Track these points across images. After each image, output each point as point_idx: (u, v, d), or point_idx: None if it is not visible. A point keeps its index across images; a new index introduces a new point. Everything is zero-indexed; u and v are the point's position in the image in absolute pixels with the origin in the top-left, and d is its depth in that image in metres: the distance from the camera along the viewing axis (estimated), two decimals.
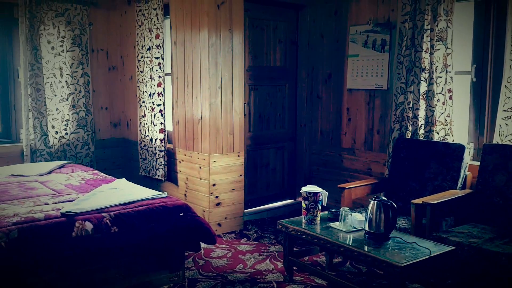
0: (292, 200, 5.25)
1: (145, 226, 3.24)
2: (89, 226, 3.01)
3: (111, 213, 3.17)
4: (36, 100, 4.93)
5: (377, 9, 4.37)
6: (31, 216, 2.97)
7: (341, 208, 3.23)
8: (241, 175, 4.54)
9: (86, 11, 5.24)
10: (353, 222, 3.09)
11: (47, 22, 4.99)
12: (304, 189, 3.25)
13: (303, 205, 3.25)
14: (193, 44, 4.42)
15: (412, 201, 3.26)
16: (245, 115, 4.63)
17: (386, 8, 4.30)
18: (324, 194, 3.25)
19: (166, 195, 3.62)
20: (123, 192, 3.65)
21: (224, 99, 4.38)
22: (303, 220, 3.25)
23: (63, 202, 3.37)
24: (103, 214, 3.14)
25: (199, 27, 4.31)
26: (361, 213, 3.34)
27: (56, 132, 5.10)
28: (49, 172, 4.39)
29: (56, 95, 5.09)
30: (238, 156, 4.51)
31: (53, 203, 3.34)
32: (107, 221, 3.11)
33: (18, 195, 3.55)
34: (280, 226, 3.33)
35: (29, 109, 4.90)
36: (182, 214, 3.40)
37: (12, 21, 4.95)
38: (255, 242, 4.15)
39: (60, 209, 3.13)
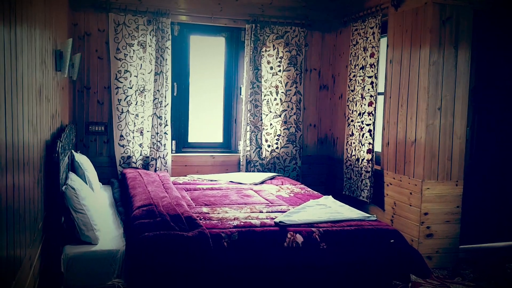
0: None
1: (353, 247, 3.14)
2: (299, 238, 3.06)
3: (320, 229, 3.16)
4: (254, 115, 5.35)
5: None
6: (249, 222, 3.17)
7: None
8: (458, 207, 4.07)
9: (304, 33, 5.49)
10: None
11: (268, 44, 5.39)
12: None
13: None
14: (411, 62, 4.19)
15: None
16: (467, 140, 4.15)
17: None
18: None
19: (376, 218, 3.47)
20: (330, 209, 3.63)
21: (443, 122, 4.02)
22: None
23: (275, 212, 3.52)
24: (312, 228, 3.16)
25: (420, 44, 4.07)
26: None
27: (269, 146, 5.45)
28: (262, 182, 4.68)
29: (271, 111, 5.45)
30: (456, 185, 4.06)
31: (266, 212, 3.51)
32: (316, 236, 3.11)
33: (237, 201, 3.86)
34: (509, 270, 2.84)
35: (248, 123, 5.34)
36: (392, 241, 3.20)
37: (239, 44, 5.51)
38: (471, 284, 3.64)
39: (273, 218, 3.27)
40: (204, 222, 3.14)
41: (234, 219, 3.25)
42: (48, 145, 2.76)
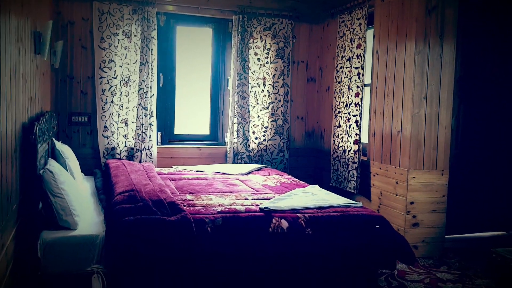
0: (504, 232, 4.48)
1: (339, 233, 3.10)
2: (284, 224, 3.02)
3: (306, 215, 3.12)
4: (241, 107, 5.30)
5: None
6: (234, 208, 3.12)
7: None
8: (443, 196, 4.06)
9: (291, 25, 5.46)
10: None
11: (256, 35, 5.35)
12: None
13: None
14: (397, 52, 4.17)
15: None
16: (452, 129, 4.15)
17: None
18: None
19: (361, 205, 3.44)
20: (317, 197, 3.60)
21: (428, 111, 4.01)
22: None
23: (261, 199, 3.48)
24: (298, 214, 3.12)
25: (406, 34, 4.05)
26: None
27: (256, 138, 5.40)
28: (248, 173, 4.64)
29: (258, 103, 5.40)
30: (442, 174, 4.05)
31: (252, 199, 3.46)
32: (302, 222, 3.07)
33: (222, 189, 3.80)
34: (494, 255, 2.83)
35: (235, 115, 5.29)
36: (378, 226, 3.17)
37: (226, 35, 5.46)
38: (457, 272, 3.63)
39: (258, 205, 3.22)
40: (187, 208, 3.08)
41: (219, 205, 3.19)
42: (25, 127, 2.69)
